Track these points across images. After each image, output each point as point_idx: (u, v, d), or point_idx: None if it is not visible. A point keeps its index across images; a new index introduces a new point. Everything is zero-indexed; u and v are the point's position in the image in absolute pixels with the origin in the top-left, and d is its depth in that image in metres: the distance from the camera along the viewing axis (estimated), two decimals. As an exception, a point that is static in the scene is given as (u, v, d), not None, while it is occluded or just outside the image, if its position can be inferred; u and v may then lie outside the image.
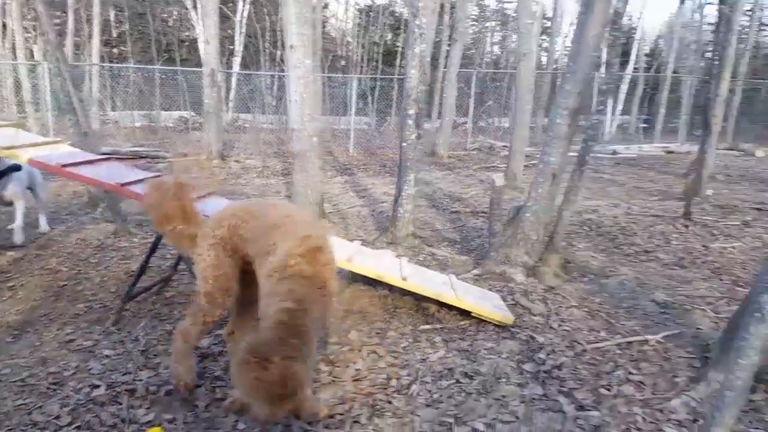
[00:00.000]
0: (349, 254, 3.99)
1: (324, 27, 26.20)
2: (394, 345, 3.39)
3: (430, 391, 2.86)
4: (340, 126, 18.21)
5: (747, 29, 19.73)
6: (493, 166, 12.43)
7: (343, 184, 10.26)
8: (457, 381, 2.96)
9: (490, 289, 4.34)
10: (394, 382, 2.93)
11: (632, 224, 6.84)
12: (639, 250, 5.75)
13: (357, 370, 3.05)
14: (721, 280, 4.77)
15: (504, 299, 4.12)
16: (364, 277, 3.99)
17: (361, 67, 26.78)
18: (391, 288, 4.07)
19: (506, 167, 10.24)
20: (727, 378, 2.07)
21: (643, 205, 8.17)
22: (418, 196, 8.40)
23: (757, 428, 2.52)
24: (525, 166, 10.39)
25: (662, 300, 4.20)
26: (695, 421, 2.57)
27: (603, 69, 15.45)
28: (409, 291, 3.90)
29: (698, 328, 3.62)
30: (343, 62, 27.39)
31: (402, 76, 9.69)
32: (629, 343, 3.42)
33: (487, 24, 32.08)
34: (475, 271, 4.80)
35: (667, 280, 4.74)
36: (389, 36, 29.67)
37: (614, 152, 15.02)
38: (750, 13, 19.55)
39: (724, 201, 8.27)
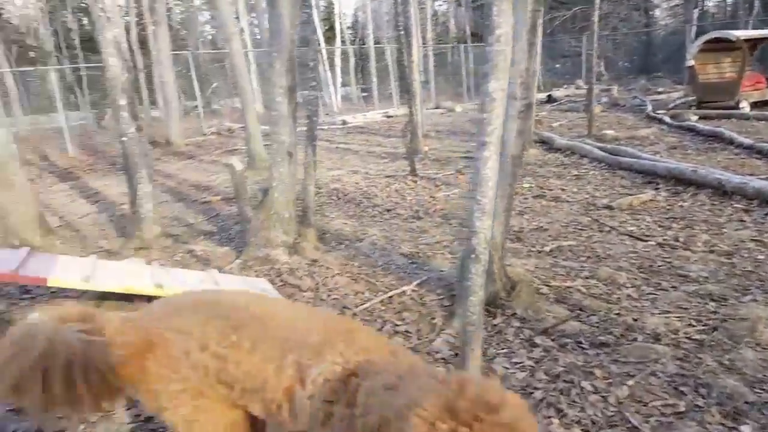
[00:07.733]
0: (85, 274, 3.54)
1: (-1, 15, 22.17)
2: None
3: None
4: (50, 125, 15.81)
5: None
6: (235, 149, 12.21)
7: (68, 191, 9.02)
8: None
9: (256, 275, 4.37)
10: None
11: (372, 187, 7.52)
12: (382, 210, 6.36)
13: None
14: (450, 224, 5.58)
15: (272, 282, 4.19)
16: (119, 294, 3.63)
17: (57, 57, 23.06)
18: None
19: (246, 149, 10.19)
20: (464, 315, 2.46)
21: (377, 168, 8.99)
22: (161, 191, 7.89)
23: (503, 348, 3.06)
24: (266, 145, 10.42)
25: (408, 252, 4.76)
26: (456, 355, 3.00)
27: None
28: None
29: (441, 271, 4.22)
30: (31, 53, 23.14)
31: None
32: (390, 297, 3.81)
33: (195, 3, 30.26)
34: (239, 261, 4.76)
35: (409, 233, 5.36)
36: (86, 20, 25.87)
37: (344, 122, 16.07)
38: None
39: (439, 155, 9.58)
